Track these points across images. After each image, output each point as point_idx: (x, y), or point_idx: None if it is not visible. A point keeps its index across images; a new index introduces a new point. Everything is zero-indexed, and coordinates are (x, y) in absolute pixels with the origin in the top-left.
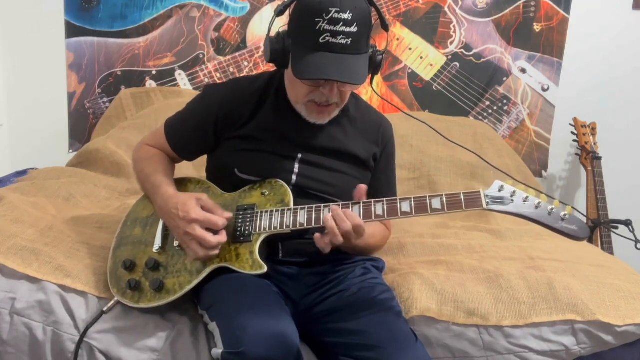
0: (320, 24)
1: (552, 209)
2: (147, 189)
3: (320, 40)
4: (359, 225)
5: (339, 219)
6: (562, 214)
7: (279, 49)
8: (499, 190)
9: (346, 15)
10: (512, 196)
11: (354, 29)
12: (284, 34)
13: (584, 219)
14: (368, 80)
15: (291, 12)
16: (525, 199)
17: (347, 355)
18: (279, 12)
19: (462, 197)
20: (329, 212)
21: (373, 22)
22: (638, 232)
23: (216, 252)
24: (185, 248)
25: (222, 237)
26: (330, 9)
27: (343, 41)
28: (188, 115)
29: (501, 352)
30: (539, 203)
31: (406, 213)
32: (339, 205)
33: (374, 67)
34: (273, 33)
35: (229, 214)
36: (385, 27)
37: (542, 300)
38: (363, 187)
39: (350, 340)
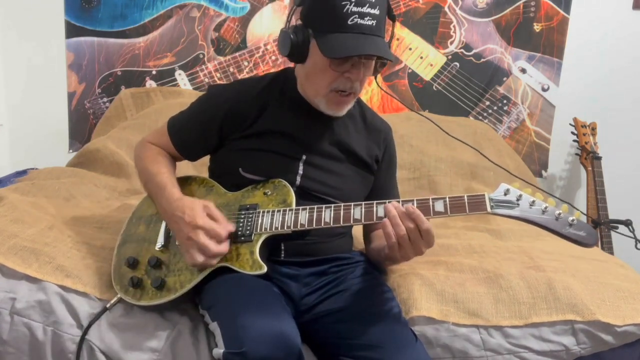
0: (348, 6)
1: (559, 213)
2: (150, 189)
3: (349, 22)
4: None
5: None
6: (570, 219)
7: (299, 41)
8: (505, 194)
9: None
10: (518, 200)
11: (377, 11)
12: (300, 26)
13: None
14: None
15: (308, 2)
16: (532, 203)
17: (347, 355)
18: (300, 2)
19: (466, 200)
20: (331, 213)
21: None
22: (638, 232)
23: (215, 262)
24: (184, 252)
25: (224, 248)
26: None
27: (370, 22)
28: (192, 116)
29: (501, 352)
30: (545, 207)
31: None
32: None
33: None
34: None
35: (232, 227)
36: (392, 17)
37: (542, 300)
38: None
39: (350, 340)
